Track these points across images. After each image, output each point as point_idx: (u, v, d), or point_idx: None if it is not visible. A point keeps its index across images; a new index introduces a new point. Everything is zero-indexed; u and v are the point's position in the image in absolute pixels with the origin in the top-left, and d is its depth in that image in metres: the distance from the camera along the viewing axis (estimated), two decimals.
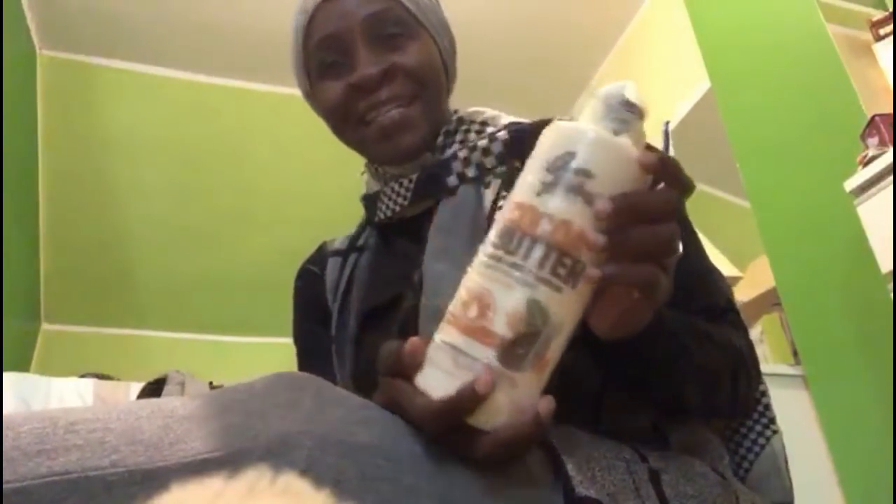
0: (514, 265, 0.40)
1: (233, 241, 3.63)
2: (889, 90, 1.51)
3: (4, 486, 0.33)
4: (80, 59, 2.97)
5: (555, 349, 0.41)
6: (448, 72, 0.75)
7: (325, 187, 3.50)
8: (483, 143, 0.68)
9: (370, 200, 0.76)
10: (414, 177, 0.70)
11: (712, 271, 0.68)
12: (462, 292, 0.43)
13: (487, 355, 0.40)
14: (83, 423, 0.37)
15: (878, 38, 1.57)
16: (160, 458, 0.36)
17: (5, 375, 2.38)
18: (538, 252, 0.40)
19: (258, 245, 3.65)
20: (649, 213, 0.40)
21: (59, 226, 3.41)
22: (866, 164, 1.33)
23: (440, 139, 0.71)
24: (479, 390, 0.39)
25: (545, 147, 0.43)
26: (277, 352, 3.99)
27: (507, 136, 0.68)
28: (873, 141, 1.37)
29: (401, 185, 0.70)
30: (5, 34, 2.46)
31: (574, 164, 0.41)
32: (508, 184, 0.64)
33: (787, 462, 0.68)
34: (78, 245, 3.50)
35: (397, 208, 0.71)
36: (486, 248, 0.43)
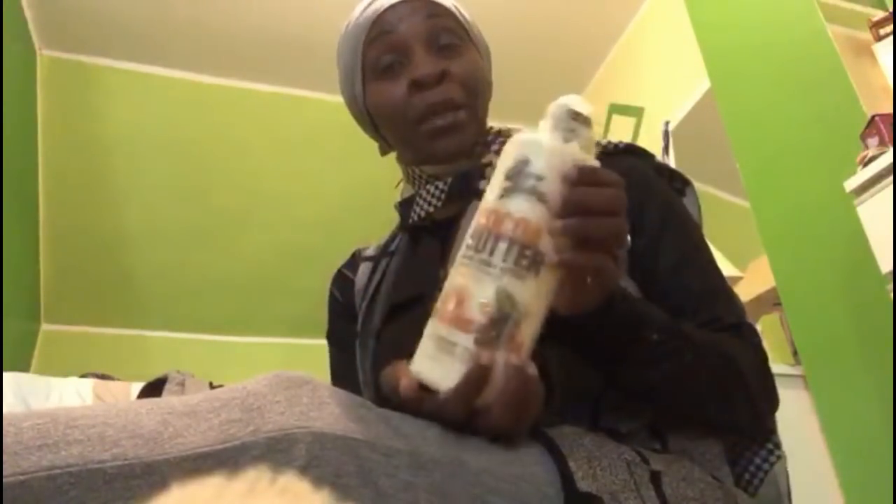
0: (483, 261, 0.47)
1: (233, 241, 3.64)
2: (889, 90, 1.51)
3: (8, 479, 0.34)
4: (80, 59, 2.97)
5: (526, 331, 0.47)
6: (488, 89, 0.80)
7: (324, 187, 3.50)
8: None
9: (405, 205, 0.79)
10: (448, 180, 0.74)
11: (724, 290, 0.69)
12: (445, 289, 0.50)
13: (465, 339, 0.46)
14: (83, 419, 0.38)
15: (878, 38, 1.57)
16: (160, 451, 0.36)
17: (5, 375, 2.38)
18: (502, 247, 0.47)
19: (258, 245, 3.65)
20: (594, 207, 0.47)
21: (59, 226, 3.41)
22: (866, 164, 1.33)
23: (477, 148, 0.75)
24: (485, 362, 0.45)
25: (506, 157, 0.50)
26: (277, 352, 3.99)
27: None
28: (873, 141, 1.37)
29: (436, 187, 0.75)
30: (5, 34, 2.46)
31: (528, 170, 0.48)
32: None
33: (789, 490, 0.68)
34: (78, 245, 3.50)
35: (430, 209, 0.75)
36: (462, 250, 0.49)
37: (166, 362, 3.18)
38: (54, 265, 3.54)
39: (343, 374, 0.81)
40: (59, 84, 3.00)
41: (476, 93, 0.74)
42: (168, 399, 0.41)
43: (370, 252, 0.86)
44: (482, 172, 0.72)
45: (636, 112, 2.81)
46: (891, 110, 1.40)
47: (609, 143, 0.76)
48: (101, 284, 3.69)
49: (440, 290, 0.69)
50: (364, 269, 0.83)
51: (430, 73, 0.70)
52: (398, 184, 0.85)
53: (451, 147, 0.72)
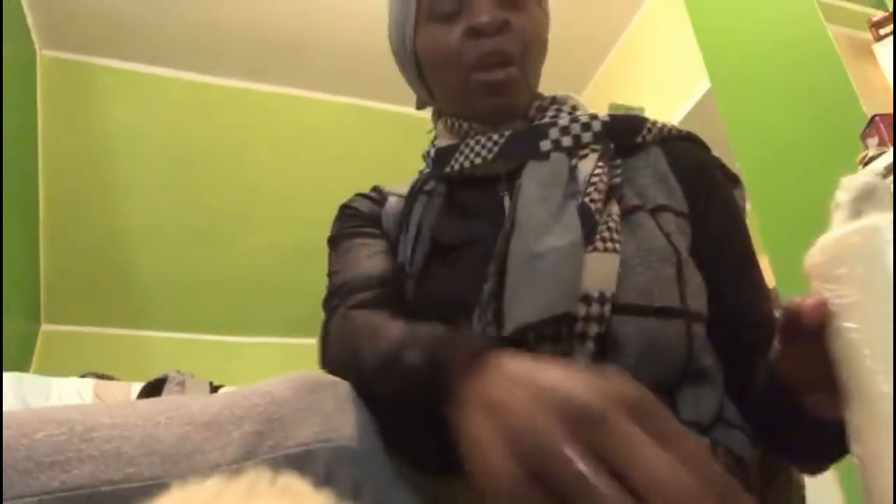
0: None
1: (232, 241, 3.63)
2: (889, 90, 1.51)
3: (16, 501, 0.33)
4: (80, 59, 2.97)
5: None
6: (544, 50, 0.77)
7: (324, 187, 3.50)
8: (584, 118, 0.69)
9: (443, 153, 0.74)
10: (504, 133, 0.69)
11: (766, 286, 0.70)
12: None
13: None
14: (100, 430, 0.36)
15: (878, 38, 1.57)
16: (176, 471, 0.35)
17: (5, 375, 2.38)
18: None
19: (258, 245, 3.65)
20: None
21: (59, 226, 3.41)
22: (866, 164, 1.33)
23: (532, 111, 0.72)
24: None
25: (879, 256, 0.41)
26: (277, 352, 3.99)
27: (607, 119, 0.70)
28: (873, 141, 1.37)
29: (489, 139, 0.70)
30: (5, 34, 2.46)
31: None
32: (605, 159, 0.67)
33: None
34: (78, 245, 3.50)
35: (478, 160, 0.69)
36: None
37: (166, 362, 3.18)
38: (54, 265, 3.54)
39: (382, 253, 0.71)
40: (59, 84, 3.00)
41: (532, 48, 0.71)
42: (189, 403, 0.40)
43: (396, 190, 0.78)
44: (545, 132, 0.68)
45: (636, 112, 2.81)
46: (891, 110, 1.40)
47: (664, 126, 0.73)
48: (101, 284, 3.69)
49: (498, 234, 0.63)
50: (395, 201, 0.76)
51: (490, 21, 0.67)
52: (431, 130, 0.81)
53: (499, 105, 0.70)
